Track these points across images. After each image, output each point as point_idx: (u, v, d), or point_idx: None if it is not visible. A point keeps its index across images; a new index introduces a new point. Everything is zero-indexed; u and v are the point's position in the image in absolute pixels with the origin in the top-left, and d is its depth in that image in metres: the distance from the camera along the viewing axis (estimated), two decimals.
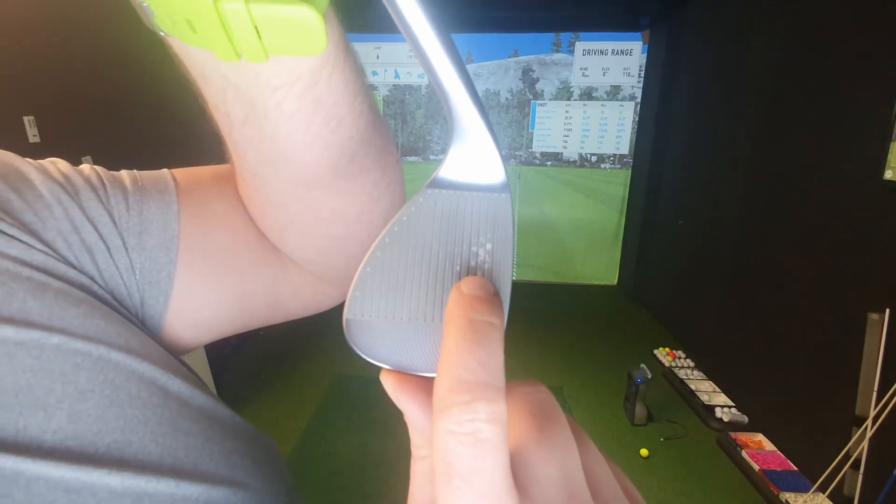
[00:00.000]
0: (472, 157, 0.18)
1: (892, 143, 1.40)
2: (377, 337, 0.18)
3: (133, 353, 0.25)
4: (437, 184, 0.18)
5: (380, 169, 0.29)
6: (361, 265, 0.18)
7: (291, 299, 0.36)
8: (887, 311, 1.39)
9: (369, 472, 1.89)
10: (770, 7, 2.07)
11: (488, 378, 0.13)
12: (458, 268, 0.17)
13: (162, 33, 0.18)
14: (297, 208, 0.28)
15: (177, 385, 0.26)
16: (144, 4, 0.17)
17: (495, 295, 0.16)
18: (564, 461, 0.14)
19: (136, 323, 0.28)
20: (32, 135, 1.55)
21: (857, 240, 1.56)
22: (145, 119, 2.09)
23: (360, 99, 0.24)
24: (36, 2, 1.57)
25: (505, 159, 0.18)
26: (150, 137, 2.12)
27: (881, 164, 1.43)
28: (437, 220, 0.18)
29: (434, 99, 3.89)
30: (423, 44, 0.16)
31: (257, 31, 0.17)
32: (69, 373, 0.22)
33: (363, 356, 0.18)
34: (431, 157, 4.03)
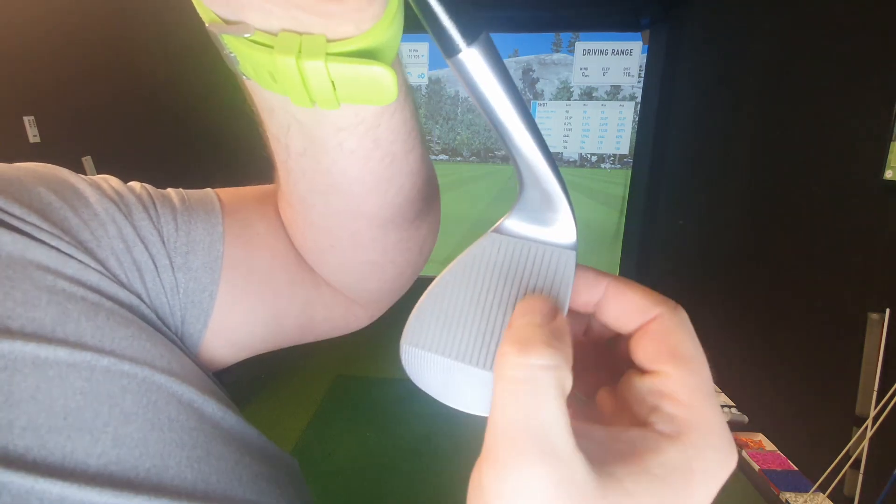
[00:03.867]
0: (543, 215, 0.18)
1: (892, 143, 1.40)
2: (428, 368, 0.18)
3: (174, 374, 0.25)
4: (502, 230, 0.19)
5: (423, 199, 0.29)
6: (423, 296, 0.19)
7: (324, 320, 0.36)
8: (887, 311, 1.39)
9: (369, 472, 1.89)
10: (770, 7, 2.07)
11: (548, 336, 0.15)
12: (511, 317, 0.17)
13: (244, 77, 0.20)
14: (340, 234, 0.29)
15: (211, 407, 0.26)
16: (232, 55, 0.18)
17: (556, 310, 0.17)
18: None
19: (176, 342, 0.28)
20: (32, 135, 1.55)
21: (857, 240, 1.56)
22: (146, 119, 2.09)
23: (413, 135, 0.25)
24: (36, 2, 1.56)
25: (576, 220, 0.18)
26: (151, 138, 2.12)
27: (881, 164, 1.43)
28: (496, 267, 0.18)
29: (434, 98, 3.89)
30: (502, 117, 0.17)
31: (333, 85, 0.18)
32: (116, 395, 0.22)
33: (413, 381, 0.18)
34: (431, 157, 4.03)
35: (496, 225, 0.19)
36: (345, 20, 0.17)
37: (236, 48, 0.18)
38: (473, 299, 0.18)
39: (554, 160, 0.18)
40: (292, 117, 0.22)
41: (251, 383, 2.45)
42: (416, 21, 0.17)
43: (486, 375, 0.17)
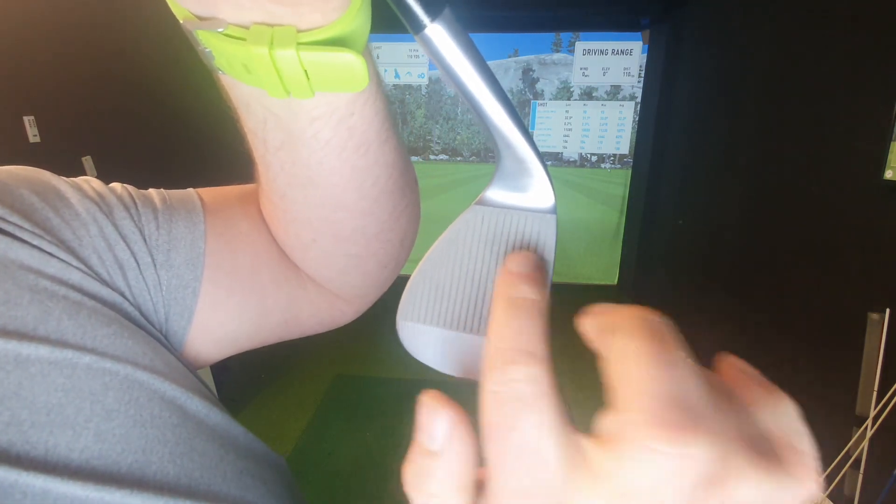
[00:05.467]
0: (521, 181, 0.19)
1: (892, 143, 1.40)
2: (424, 340, 0.19)
3: (157, 372, 0.25)
4: (484, 202, 0.19)
5: (400, 190, 0.30)
6: (414, 273, 0.19)
7: (309, 316, 0.37)
8: (887, 311, 1.39)
9: (369, 472, 1.89)
10: (770, 7, 2.07)
11: (526, 345, 0.14)
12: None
13: (220, 72, 0.20)
14: (321, 228, 0.29)
15: (194, 404, 0.26)
16: (206, 50, 0.19)
17: (538, 270, 0.17)
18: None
19: (160, 339, 0.28)
20: (32, 135, 1.55)
21: (857, 240, 1.56)
22: (146, 119, 2.09)
23: (386, 125, 0.25)
24: (36, 1, 1.56)
25: (554, 185, 0.19)
26: (151, 137, 2.12)
27: (881, 164, 1.43)
28: (481, 237, 0.19)
29: (434, 98, 3.89)
30: (471, 89, 0.18)
31: (306, 73, 0.18)
32: (98, 392, 0.22)
33: (412, 355, 0.19)
34: (432, 156, 4.03)
35: (478, 197, 0.19)
36: (313, 10, 0.18)
37: (211, 43, 0.18)
38: (462, 270, 0.19)
39: (525, 127, 0.18)
40: (268, 110, 0.22)
41: (251, 383, 2.45)
42: None
43: (479, 340, 0.18)
